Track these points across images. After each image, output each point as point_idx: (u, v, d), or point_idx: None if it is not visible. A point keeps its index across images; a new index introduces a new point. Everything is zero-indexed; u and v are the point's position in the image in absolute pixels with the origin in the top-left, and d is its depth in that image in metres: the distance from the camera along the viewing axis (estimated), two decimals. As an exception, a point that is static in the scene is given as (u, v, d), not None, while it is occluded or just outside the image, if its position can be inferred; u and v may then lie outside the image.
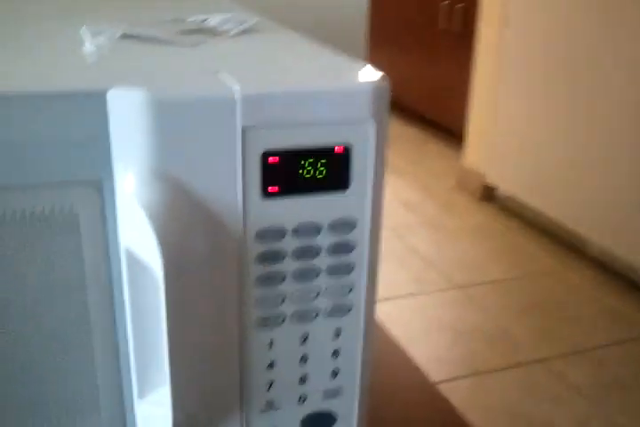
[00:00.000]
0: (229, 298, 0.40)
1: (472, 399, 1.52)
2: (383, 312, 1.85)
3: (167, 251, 0.36)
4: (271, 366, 0.43)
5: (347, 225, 0.40)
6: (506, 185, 2.52)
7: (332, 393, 0.45)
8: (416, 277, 2.05)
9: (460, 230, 2.38)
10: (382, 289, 1.96)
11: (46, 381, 0.41)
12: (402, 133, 3.42)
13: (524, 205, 2.44)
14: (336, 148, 0.38)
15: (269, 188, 0.38)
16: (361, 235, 0.41)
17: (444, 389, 1.54)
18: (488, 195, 2.65)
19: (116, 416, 0.43)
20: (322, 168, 0.38)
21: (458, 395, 1.52)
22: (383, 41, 3.65)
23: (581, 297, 1.95)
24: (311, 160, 0.38)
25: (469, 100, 2.71)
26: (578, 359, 1.67)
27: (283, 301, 0.41)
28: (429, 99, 3.33)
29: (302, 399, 0.45)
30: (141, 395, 0.41)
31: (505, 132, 2.49)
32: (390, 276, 2.05)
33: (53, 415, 0.42)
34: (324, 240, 0.40)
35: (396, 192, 2.71)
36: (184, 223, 0.37)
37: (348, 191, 0.40)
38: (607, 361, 1.67)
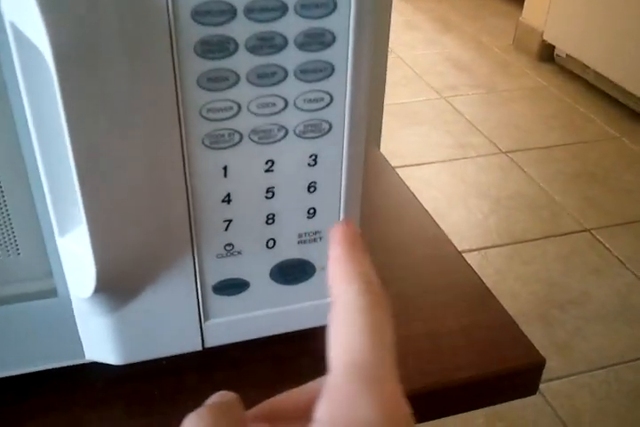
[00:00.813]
0: (164, 106, 0.29)
1: (508, 268, 1.44)
2: (419, 177, 1.74)
3: (58, 30, 0.25)
4: (228, 199, 0.33)
5: (322, 5, 0.29)
6: (565, 44, 2.29)
7: (309, 238, 0.36)
8: (460, 141, 1.92)
9: (512, 92, 2.20)
10: (420, 153, 1.84)
11: None
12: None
13: (584, 66, 2.23)
14: None
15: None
16: (342, 21, 0.29)
17: (479, 256, 1.46)
18: (546, 55, 2.43)
19: (37, 256, 0.34)
20: None
21: (494, 263, 1.44)
22: None
23: (637, 167, 1.81)
24: None
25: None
26: (624, 231, 1.56)
27: (237, 112, 0.31)
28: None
29: (271, 244, 0.35)
30: (62, 232, 0.32)
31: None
32: (430, 139, 1.92)
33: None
34: (291, 26, 0.29)
35: (447, 50, 2.51)
36: (82, -14, 0.25)
37: (324, -50, 0.27)
38: (657, 235, 1.56)
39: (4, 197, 0.32)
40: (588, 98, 2.17)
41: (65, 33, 0.26)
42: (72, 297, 0.35)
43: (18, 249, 0.33)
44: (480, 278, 0.48)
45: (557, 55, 2.38)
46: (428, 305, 0.45)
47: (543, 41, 2.41)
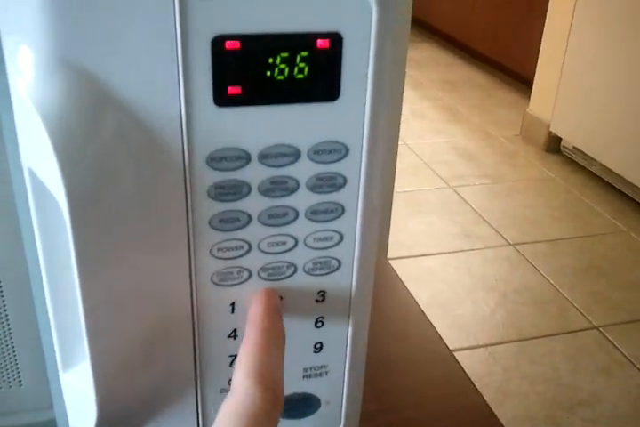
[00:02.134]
0: (175, 246, 0.30)
1: (515, 366, 1.41)
2: (426, 268, 1.73)
3: (73, 177, 0.25)
4: (234, 335, 0.33)
5: (334, 151, 0.29)
6: (572, 136, 2.34)
7: (315, 372, 0.35)
8: (466, 231, 1.92)
9: (519, 183, 2.23)
10: (427, 243, 1.84)
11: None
12: (468, 78, 3.23)
13: (590, 158, 2.26)
14: (320, 40, 0.27)
15: (229, 88, 0.27)
16: (354, 165, 0.30)
17: (486, 353, 1.44)
18: (553, 146, 2.47)
19: (39, 389, 0.34)
20: (302, 65, 0.27)
21: (500, 361, 1.42)
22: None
23: (645, 262, 1.80)
24: (285, 55, 0.27)
25: (541, 44, 2.50)
26: (633, 329, 1.53)
27: (248, 251, 0.31)
28: (499, 42, 3.12)
29: (275, 378, 0.34)
30: (65, 367, 0.32)
31: (573, 80, 2.29)
32: (437, 229, 1.93)
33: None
34: (303, 171, 0.29)
35: (454, 139, 2.56)
36: (100, 138, 0.26)
37: (338, 103, 0.28)
38: (667, 333, 1.53)
39: (10, 330, 0.31)
40: (594, 190, 2.19)
41: (79, 178, 0.26)
42: (70, 429, 0.34)
43: (20, 381, 0.33)
44: (487, 404, 0.47)
45: (564, 147, 2.42)
46: (436, 433, 0.44)
47: (550, 133, 2.45)
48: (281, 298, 0.32)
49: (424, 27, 3.77)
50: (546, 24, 2.46)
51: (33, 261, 0.30)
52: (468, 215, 2.01)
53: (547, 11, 2.44)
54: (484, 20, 3.20)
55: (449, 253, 1.81)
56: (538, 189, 2.20)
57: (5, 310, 0.32)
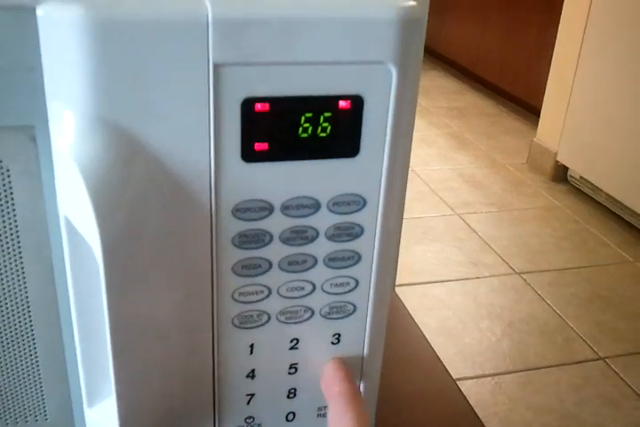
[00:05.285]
0: (199, 290, 0.31)
1: (521, 396, 1.41)
2: (433, 295, 1.74)
3: (108, 225, 0.27)
4: (252, 375, 0.34)
5: (353, 203, 0.31)
6: (578, 166, 2.35)
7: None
8: (472, 259, 1.93)
9: (525, 211, 2.24)
10: (434, 271, 1.85)
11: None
12: (476, 106, 3.26)
13: (596, 188, 2.28)
14: (342, 102, 0.28)
15: (256, 145, 0.28)
16: (371, 216, 0.31)
17: (492, 383, 1.44)
18: (560, 175, 2.48)
19: (64, 423, 0.35)
20: (325, 124, 0.29)
21: (506, 391, 1.42)
22: (459, 6, 3.46)
23: (651, 292, 1.80)
24: (309, 115, 0.28)
25: (549, 74, 2.53)
26: (639, 361, 1.54)
27: (267, 295, 0.32)
28: (507, 71, 3.15)
29: (290, 417, 0.36)
30: (90, 403, 0.33)
31: (580, 110, 2.31)
32: (444, 256, 1.94)
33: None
34: (323, 221, 0.31)
35: (461, 167, 2.57)
36: (134, 190, 0.28)
37: (358, 158, 0.30)
38: (674, 365, 1.53)
39: (38, 364, 0.33)
40: (600, 220, 2.20)
41: (113, 227, 0.28)
42: (91, 463, 0.35)
43: (46, 415, 0.34)
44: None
45: (571, 176, 2.44)
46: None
47: (557, 162, 2.47)
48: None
49: (432, 54, 3.81)
50: (554, 54, 2.49)
51: (64, 303, 0.31)
52: (474, 243, 2.02)
53: (555, 41, 2.47)
54: (493, 49, 3.24)
55: (455, 280, 1.82)
56: (544, 217, 2.21)
57: (35, 346, 0.33)
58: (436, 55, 3.81)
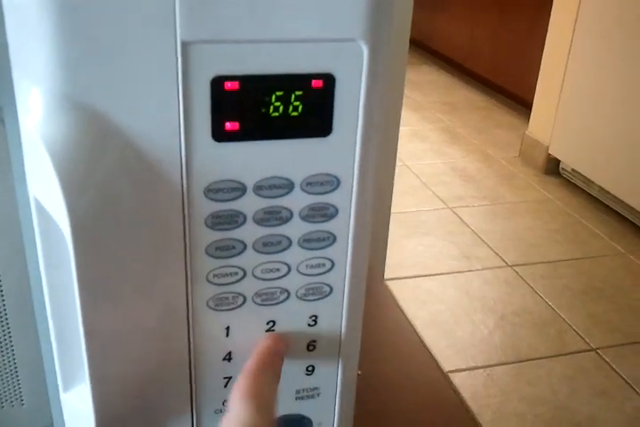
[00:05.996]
0: (172, 272, 0.31)
1: (514, 388, 1.41)
2: (425, 289, 1.74)
3: (76, 205, 0.27)
4: (229, 357, 0.34)
5: (327, 183, 0.31)
6: (570, 159, 2.36)
7: (307, 394, 0.36)
8: (465, 253, 1.93)
9: (518, 205, 2.24)
10: (426, 264, 1.85)
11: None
12: (468, 100, 3.26)
13: (588, 181, 2.28)
14: (313, 80, 0.28)
15: (227, 124, 0.28)
16: (345, 196, 0.31)
17: (484, 375, 1.44)
18: (552, 168, 2.49)
19: (40, 408, 0.35)
20: (296, 103, 0.29)
21: (499, 383, 1.42)
22: (450, 1, 3.46)
23: (643, 284, 1.81)
24: (280, 93, 0.28)
25: (540, 67, 2.53)
26: (631, 352, 1.54)
27: (242, 277, 0.32)
28: (499, 64, 3.15)
29: (268, 400, 0.36)
30: (66, 388, 0.33)
31: (572, 103, 2.31)
32: (436, 250, 1.94)
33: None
34: (297, 201, 0.31)
35: (453, 160, 2.58)
36: (103, 170, 0.28)
37: (330, 138, 0.30)
38: (666, 355, 1.54)
39: (13, 350, 0.33)
40: (593, 212, 2.20)
41: (82, 207, 0.27)
42: (69, 448, 0.35)
43: (22, 400, 0.34)
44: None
45: (563, 169, 2.44)
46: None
47: (549, 155, 2.47)
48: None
49: (424, 49, 3.81)
50: (545, 47, 2.49)
51: (36, 286, 0.31)
52: (466, 236, 2.02)
53: (546, 34, 2.47)
54: (485, 43, 3.24)
55: (447, 273, 1.82)
56: (537, 210, 2.21)
57: (9, 332, 0.33)
58: (429, 50, 3.80)
